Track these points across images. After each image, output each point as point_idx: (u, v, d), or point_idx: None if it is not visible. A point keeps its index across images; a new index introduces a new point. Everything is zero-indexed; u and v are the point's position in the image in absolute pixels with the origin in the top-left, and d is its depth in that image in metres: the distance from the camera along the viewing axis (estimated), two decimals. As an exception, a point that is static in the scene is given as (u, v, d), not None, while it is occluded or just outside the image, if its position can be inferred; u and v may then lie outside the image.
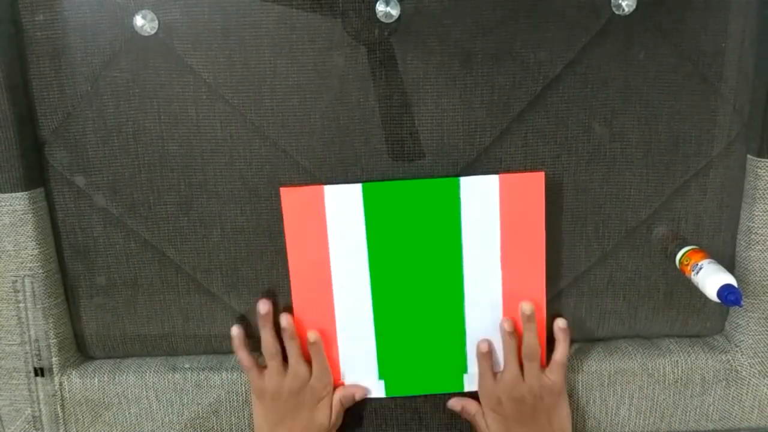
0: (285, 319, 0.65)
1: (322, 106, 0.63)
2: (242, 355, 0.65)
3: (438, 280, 0.66)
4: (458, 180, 0.64)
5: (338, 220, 0.65)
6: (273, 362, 0.65)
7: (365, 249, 0.66)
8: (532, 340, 0.64)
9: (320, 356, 0.65)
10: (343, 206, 0.64)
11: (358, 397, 0.68)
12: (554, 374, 0.65)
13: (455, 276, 0.66)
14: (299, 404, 0.65)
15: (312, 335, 0.65)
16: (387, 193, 0.64)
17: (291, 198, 0.64)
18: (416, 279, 0.66)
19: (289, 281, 0.66)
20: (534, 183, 0.64)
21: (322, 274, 0.66)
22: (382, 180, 0.65)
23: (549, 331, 0.67)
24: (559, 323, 0.66)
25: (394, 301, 0.67)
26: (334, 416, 0.66)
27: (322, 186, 0.64)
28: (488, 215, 0.65)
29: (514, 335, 0.65)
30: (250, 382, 0.66)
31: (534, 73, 0.62)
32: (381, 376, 0.69)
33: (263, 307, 0.65)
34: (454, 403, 0.69)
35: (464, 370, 0.69)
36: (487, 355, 0.66)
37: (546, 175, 0.65)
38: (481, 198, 0.64)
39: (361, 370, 0.69)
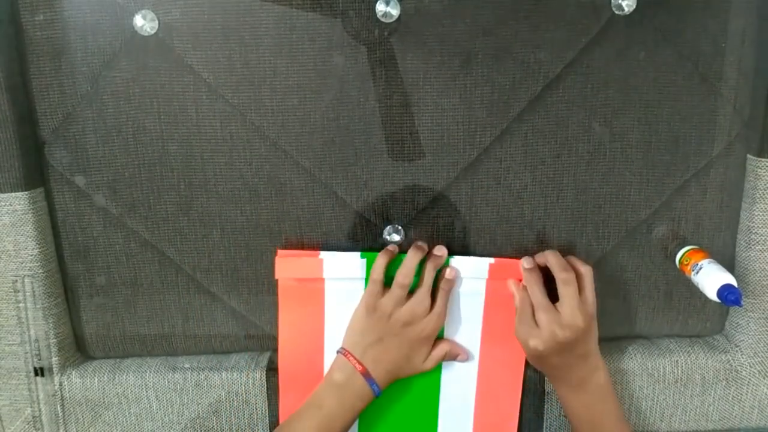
0: (441, 250, 0.64)
1: (322, 106, 0.63)
2: (380, 262, 0.63)
3: None
4: (449, 258, 0.64)
5: (337, 288, 0.65)
6: (400, 290, 0.62)
7: None
8: (561, 262, 0.62)
9: (445, 297, 0.64)
10: (343, 274, 0.65)
11: (459, 359, 0.67)
12: (588, 298, 0.61)
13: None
14: (402, 336, 0.63)
15: (450, 272, 0.64)
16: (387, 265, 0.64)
17: (286, 265, 0.65)
18: None
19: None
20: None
21: (314, 335, 0.67)
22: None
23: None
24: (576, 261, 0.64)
25: None
26: (429, 363, 0.65)
27: (318, 252, 0.65)
28: (473, 296, 0.66)
29: (536, 271, 0.63)
30: (366, 293, 0.64)
31: (534, 73, 0.62)
32: None
33: (422, 244, 0.65)
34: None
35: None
36: (525, 294, 0.63)
37: (546, 175, 0.65)
38: (468, 278, 0.65)
39: None
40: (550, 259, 0.63)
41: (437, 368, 0.67)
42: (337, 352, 0.64)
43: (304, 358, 0.67)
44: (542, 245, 0.67)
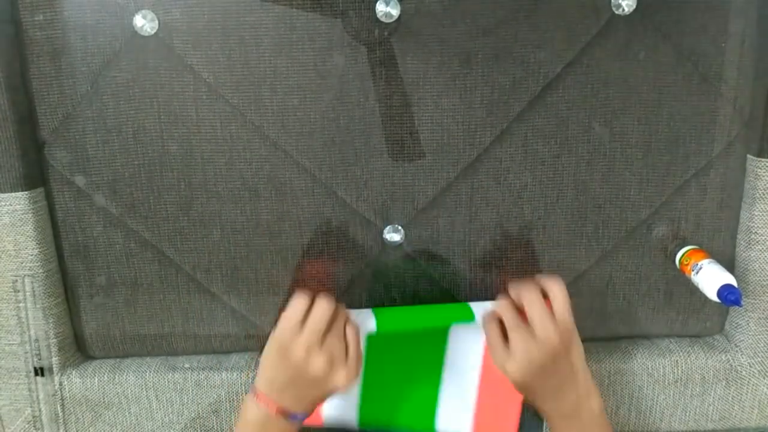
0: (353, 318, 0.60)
1: (322, 106, 0.63)
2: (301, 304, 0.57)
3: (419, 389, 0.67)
4: (468, 306, 0.62)
5: None
6: (313, 334, 0.56)
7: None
8: (528, 285, 0.58)
9: (356, 342, 0.59)
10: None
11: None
12: (560, 311, 0.57)
13: (433, 389, 0.67)
14: (317, 383, 0.56)
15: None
16: (397, 319, 0.62)
17: None
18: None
19: (287, 281, 0.66)
20: None
21: None
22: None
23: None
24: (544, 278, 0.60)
25: (381, 399, 0.67)
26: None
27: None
28: (474, 341, 0.65)
29: (509, 298, 0.60)
30: (278, 331, 0.57)
31: (534, 73, 0.62)
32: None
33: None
34: None
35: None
36: (493, 320, 0.59)
37: (546, 175, 0.65)
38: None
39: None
40: (519, 292, 0.59)
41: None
42: (250, 390, 0.59)
43: None
44: (542, 245, 0.67)
